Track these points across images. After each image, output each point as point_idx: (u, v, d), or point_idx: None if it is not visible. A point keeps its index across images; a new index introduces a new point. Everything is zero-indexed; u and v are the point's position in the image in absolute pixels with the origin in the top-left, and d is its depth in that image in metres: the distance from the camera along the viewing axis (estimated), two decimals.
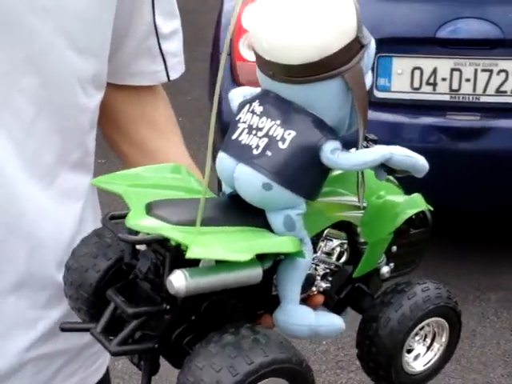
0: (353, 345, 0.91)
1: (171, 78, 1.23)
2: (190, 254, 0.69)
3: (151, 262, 0.79)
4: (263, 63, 0.78)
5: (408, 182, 0.93)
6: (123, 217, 0.79)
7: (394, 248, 0.96)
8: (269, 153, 0.78)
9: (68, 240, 1.09)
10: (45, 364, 1.12)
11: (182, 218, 0.75)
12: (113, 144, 1.27)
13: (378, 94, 3.36)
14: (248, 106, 0.82)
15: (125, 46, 1.15)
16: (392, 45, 3.24)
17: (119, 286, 0.83)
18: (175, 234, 0.73)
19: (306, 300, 0.88)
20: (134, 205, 0.79)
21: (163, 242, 0.75)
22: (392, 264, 0.97)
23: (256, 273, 0.78)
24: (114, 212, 0.82)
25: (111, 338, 0.79)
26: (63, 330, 0.90)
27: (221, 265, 0.75)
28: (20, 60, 0.96)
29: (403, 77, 3.37)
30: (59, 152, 1.07)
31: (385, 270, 0.97)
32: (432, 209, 0.96)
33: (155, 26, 1.18)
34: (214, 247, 0.73)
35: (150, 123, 1.25)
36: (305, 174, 0.79)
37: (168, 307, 0.78)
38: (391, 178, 0.91)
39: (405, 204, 0.93)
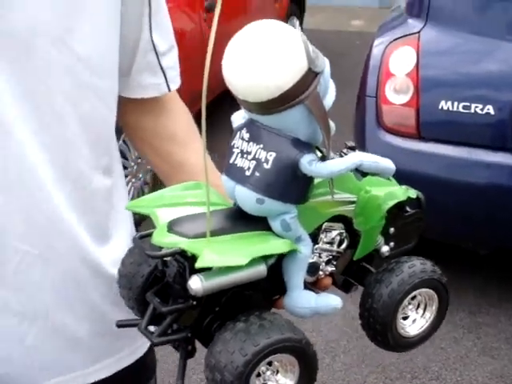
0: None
1: (171, 89, 1.38)
2: (198, 264, 0.88)
3: (176, 270, 0.98)
4: (239, 100, 0.95)
5: None
6: (150, 235, 0.98)
7: (392, 229, 1.14)
8: (257, 173, 0.95)
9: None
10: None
11: (198, 231, 0.94)
12: (146, 159, 1.45)
13: None
14: (239, 133, 0.99)
15: (134, 59, 1.32)
16: None
17: (156, 289, 1.02)
18: (189, 246, 0.92)
19: (316, 282, 1.08)
20: (158, 224, 0.98)
21: (183, 253, 0.93)
22: (392, 243, 1.14)
23: (261, 269, 0.95)
24: (142, 232, 1.02)
25: (153, 331, 0.98)
26: (119, 326, 1.10)
27: (229, 267, 0.93)
28: (50, 82, 1.13)
29: None
30: (90, 158, 1.22)
31: (384, 249, 1.14)
32: (421, 194, 1.15)
33: (153, 43, 1.33)
34: (220, 255, 0.92)
35: (171, 136, 1.40)
36: (290, 185, 0.96)
37: (194, 303, 0.97)
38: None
39: (386, 196, 1.10)
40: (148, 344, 1.43)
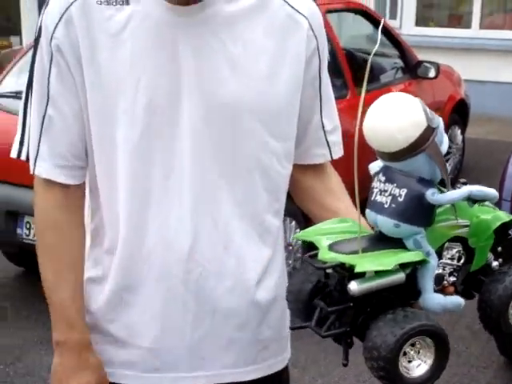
0: None
1: (333, 158, 1.73)
2: (357, 269, 1.22)
3: (337, 279, 1.31)
4: (377, 152, 1.29)
5: None
6: (315, 255, 1.32)
7: (499, 248, 1.41)
8: (393, 205, 1.29)
9: (266, 269, 1.67)
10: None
11: (352, 249, 1.28)
12: (306, 209, 1.78)
13: None
14: (376, 177, 1.34)
15: (307, 135, 1.68)
16: None
17: (320, 297, 1.34)
18: (348, 259, 1.25)
19: (443, 289, 1.36)
20: (321, 246, 1.31)
21: (343, 265, 1.26)
22: (500, 259, 1.41)
23: (401, 276, 1.27)
24: (309, 254, 1.35)
25: (319, 329, 1.32)
26: (292, 329, 1.47)
27: (378, 274, 1.25)
28: (244, 144, 1.57)
29: None
30: (266, 202, 1.62)
31: (494, 264, 1.41)
32: None
33: (322, 124, 1.69)
34: (371, 264, 1.25)
35: (330, 191, 1.74)
36: (419, 212, 1.29)
37: (351, 304, 1.29)
38: (487, 203, 1.39)
39: (492, 219, 1.38)
40: (286, 361, 1.78)
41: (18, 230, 4.47)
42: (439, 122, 1.27)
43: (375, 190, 1.33)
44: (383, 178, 1.32)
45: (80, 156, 1.59)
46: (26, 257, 5.00)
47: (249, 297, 1.63)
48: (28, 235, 4.43)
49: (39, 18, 1.56)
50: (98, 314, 1.64)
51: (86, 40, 1.52)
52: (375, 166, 1.36)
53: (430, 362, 1.29)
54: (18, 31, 12.82)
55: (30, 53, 3.98)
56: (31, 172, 1.60)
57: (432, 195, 1.27)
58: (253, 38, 1.54)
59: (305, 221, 3.72)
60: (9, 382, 3.84)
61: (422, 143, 1.25)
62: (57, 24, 1.52)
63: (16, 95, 4.63)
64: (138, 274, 1.59)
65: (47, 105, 1.58)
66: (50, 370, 1.69)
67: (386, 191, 1.31)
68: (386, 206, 1.30)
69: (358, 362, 1.41)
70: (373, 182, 1.34)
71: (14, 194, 4.40)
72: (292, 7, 1.57)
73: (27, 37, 12.23)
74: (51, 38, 1.53)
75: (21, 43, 12.03)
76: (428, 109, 1.27)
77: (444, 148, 1.28)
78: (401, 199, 1.29)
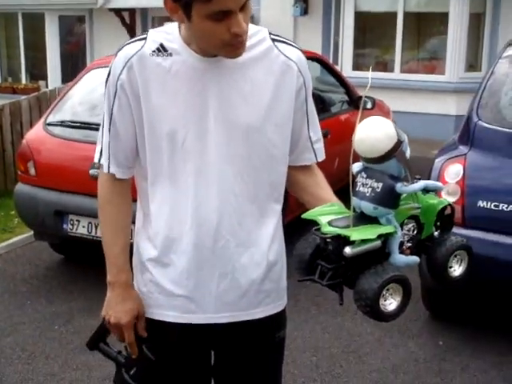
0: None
1: (318, 161, 1.85)
2: (352, 238, 1.35)
3: (334, 245, 1.43)
4: (361, 157, 1.43)
5: None
6: (318, 229, 1.46)
7: (438, 223, 1.56)
8: (373, 194, 1.42)
9: (269, 242, 1.75)
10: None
11: (345, 224, 1.41)
12: (299, 197, 1.87)
13: None
14: (359, 174, 1.48)
15: (299, 145, 1.81)
16: None
17: (321, 257, 1.47)
18: (343, 232, 1.38)
19: (403, 251, 1.50)
20: (322, 223, 1.45)
21: (339, 236, 1.40)
22: (439, 230, 1.56)
23: (378, 243, 1.41)
24: (314, 228, 1.47)
25: (321, 280, 1.46)
26: (300, 281, 1.53)
27: (364, 241, 1.38)
28: (255, 151, 1.67)
29: None
30: (269, 193, 1.75)
31: (436, 233, 1.56)
32: (451, 203, 1.55)
33: (309, 136, 1.82)
34: (360, 235, 1.37)
35: (318, 184, 1.85)
36: (390, 199, 1.42)
37: (343, 263, 1.43)
38: (432, 193, 1.53)
39: (437, 203, 1.52)
40: (284, 305, 1.87)
41: (64, 226, 4.63)
42: (405, 137, 1.44)
43: (359, 184, 1.48)
44: (365, 175, 1.47)
45: (131, 160, 1.75)
46: (66, 247, 5.28)
47: (261, 259, 1.75)
48: (71, 230, 4.61)
49: (110, 65, 1.71)
50: (153, 272, 1.77)
51: (142, 81, 1.66)
52: (356, 167, 1.51)
53: (399, 300, 1.43)
54: (44, 76, 12.78)
55: (68, 92, 4.29)
56: (105, 171, 1.75)
57: (400, 187, 1.42)
58: (258, 77, 1.68)
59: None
60: (63, 337, 4.05)
61: (393, 151, 1.40)
62: (122, 69, 1.66)
63: (62, 123, 4.90)
64: (180, 244, 1.72)
65: (110, 125, 1.71)
66: (93, 330, 1.88)
67: (367, 184, 1.45)
68: (367, 195, 1.45)
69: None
70: (356, 178, 1.50)
71: (60, 198, 4.62)
72: (285, 55, 1.71)
73: (52, 81, 12.32)
74: (117, 80, 1.67)
75: (46, 86, 12.02)
76: (397, 127, 1.43)
77: (407, 154, 1.44)
78: (378, 190, 1.43)
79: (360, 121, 1.44)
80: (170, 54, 1.64)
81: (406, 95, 9.98)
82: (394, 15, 10.29)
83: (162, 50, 1.65)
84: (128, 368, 1.81)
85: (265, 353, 1.85)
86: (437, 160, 4.04)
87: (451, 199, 3.66)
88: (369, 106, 6.13)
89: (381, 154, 1.39)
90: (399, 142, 1.40)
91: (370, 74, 1.69)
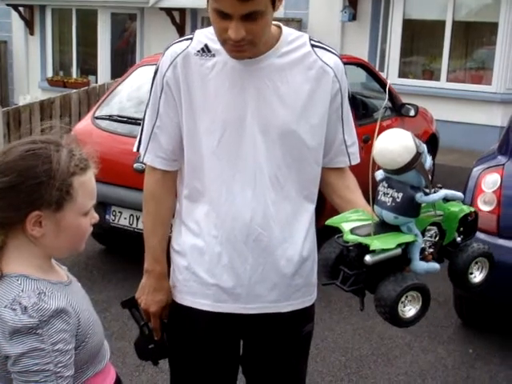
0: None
1: (352, 164, 1.89)
2: (372, 247, 1.38)
3: (356, 253, 1.46)
4: (383, 169, 1.45)
5: None
6: (341, 237, 1.50)
7: (461, 229, 1.57)
8: (393, 204, 1.45)
9: (302, 238, 1.80)
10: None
11: (366, 233, 1.44)
12: (330, 199, 1.92)
13: None
14: (381, 184, 1.50)
15: (333, 148, 1.86)
16: None
17: (343, 263, 1.50)
18: (364, 240, 1.41)
19: (424, 258, 1.52)
20: (344, 231, 1.48)
21: (360, 244, 1.43)
22: (462, 236, 1.57)
23: (398, 251, 1.44)
24: (337, 235, 1.51)
25: (343, 285, 1.50)
26: (324, 284, 1.58)
27: (384, 250, 1.39)
28: (290, 151, 1.72)
29: None
30: (301, 191, 1.79)
31: (458, 239, 1.58)
32: (475, 209, 1.58)
33: (344, 140, 1.87)
34: (380, 244, 1.39)
35: (348, 187, 1.90)
36: (410, 208, 1.44)
37: (365, 270, 1.45)
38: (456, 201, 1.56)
39: (458, 211, 1.54)
40: (313, 301, 1.90)
41: (107, 217, 4.74)
42: (424, 148, 1.46)
43: (380, 193, 1.51)
44: (386, 185, 1.51)
45: (175, 152, 1.80)
46: (107, 237, 5.35)
47: (293, 254, 1.79)
48: (114, 220, 4.72)
49: (158, 62, 1.78)
50: (192, 264, 1.82)
51: (185, 79, 1.73)
52: (378, 175, 1.54)
53: (418, 307, 1.46)
54: (94, 72, 13.03)
55: (117, 87, 4.40)
56: (141, 160, 1.82)
57: (420, 197, 1.45)
58: (295, 80, 1.74)
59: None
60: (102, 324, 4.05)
61: (412, 163, 1.42)
62: (168, 67, 1.74)
63: (109, 117, 5.02)
64: (215, 236, 1.78)
65: (156, 118, 1.79)
66: (130, 319, 1.97)
67: (388, 194, 1.48)
68: (388, 204, 1.48)
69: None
70: (378, 186, 1.54)
71: (104, 190, 4.48)
72: (323, 61, 1.76)
73: (101, 76, 12.54)
74: (163, 77, 1.76)
75: (96, 81, 12.27)
76: (417, 139, 1.45)
77: (427, 165, 1.46)
78: (398, 200, 1.46)
79: (378, 132, 1.45)
80: (213, 55, 1.71)
81: (451, 104, 9.93)
82: (442, 24, 10.24)
83: (206, 50, 1.72)
84: (149, 340, 1.91)
85: (291, 345, 1.89)
86: (475, 169, 4.04)
87: (487, 208, 3.68)
88: (412, 113, 6.16)
89: (400, 166, 1.42)
90: (418, 154, 1.42)
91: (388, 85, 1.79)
